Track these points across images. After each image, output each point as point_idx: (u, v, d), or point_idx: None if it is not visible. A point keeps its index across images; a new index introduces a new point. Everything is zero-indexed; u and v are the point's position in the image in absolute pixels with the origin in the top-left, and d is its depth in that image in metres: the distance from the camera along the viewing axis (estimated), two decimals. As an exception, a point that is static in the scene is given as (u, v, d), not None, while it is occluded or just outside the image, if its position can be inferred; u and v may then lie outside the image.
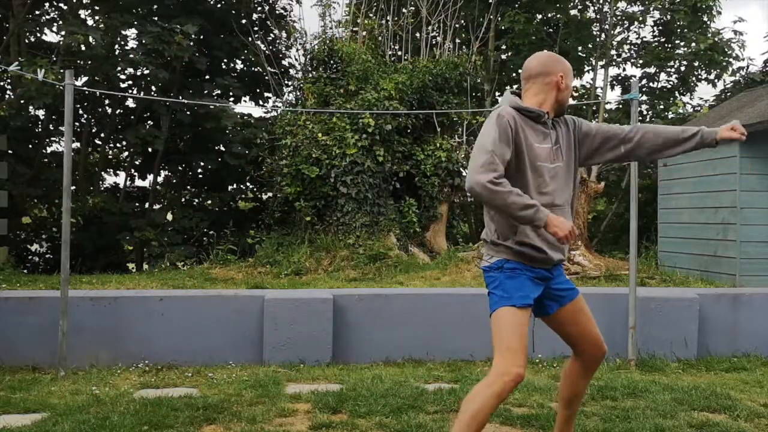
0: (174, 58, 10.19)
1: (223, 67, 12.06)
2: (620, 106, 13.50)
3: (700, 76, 13.49)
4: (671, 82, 13.86)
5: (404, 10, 11.67)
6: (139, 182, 12.14)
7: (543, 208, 2.73)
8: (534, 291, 2.90)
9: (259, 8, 12.09)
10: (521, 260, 2.88)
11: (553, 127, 3.01)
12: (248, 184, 12.01)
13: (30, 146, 10.57)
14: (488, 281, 2.94)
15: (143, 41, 10.06)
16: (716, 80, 13.40)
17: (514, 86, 14.80)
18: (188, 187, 12.37)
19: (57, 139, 11.35)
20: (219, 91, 11.47)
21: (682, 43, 13.29)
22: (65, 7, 11.39)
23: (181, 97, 10.47)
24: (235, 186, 11.91)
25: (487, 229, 2.97)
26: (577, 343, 3.15)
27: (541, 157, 2.91)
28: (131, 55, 10.30)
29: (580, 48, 13.42)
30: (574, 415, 3.31)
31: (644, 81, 13.92)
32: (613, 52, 14.06)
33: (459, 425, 2.72)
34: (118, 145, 12.12)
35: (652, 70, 13.79)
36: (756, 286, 7.13)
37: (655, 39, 13.80)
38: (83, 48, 9.92)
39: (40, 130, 11.00)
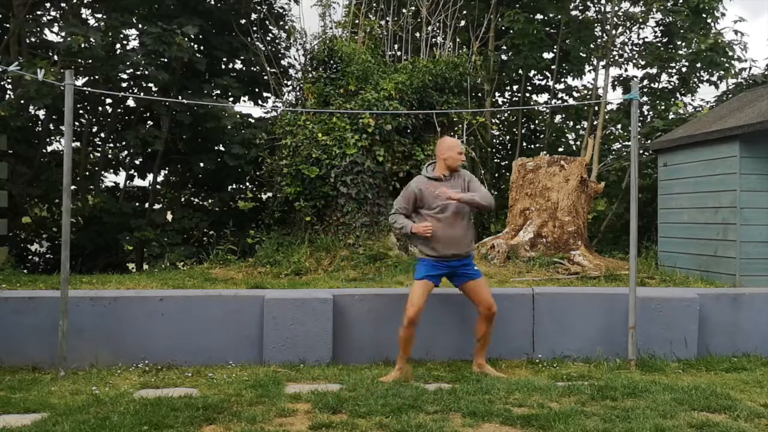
0: (174, 59, 10.19)
1: (223, 67, 12.05)
2: (621, 106, 13.49)
3: (701, 77, 13.48)
4: (672, 83, 13.86)
5: (404, 10, 11.67)
6: (139, 182, 12.14)
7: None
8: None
9: (259, 8, 12.08)
10: None
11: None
12: (248, 184, 12.00)
13: (30, 146, 10.56)
14: None
15: (144, 41, 10.06)
16: (718, 82, 13.39)
17: (514, 87, 14.83)
18: (188, 187, 12.37)
19: (57, 139, 11.34)
20: (218, 92, 11.47)
21: (683, 44, 13.28)
22: (66, 7, 11.38)
23: (180, 97, 10.46)
24: (234, 186, 11.91)
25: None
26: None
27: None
28: (131, 56, 10.30)
29: (581, 48, 13.41)
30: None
31: (645, 81, 13.91)
32: (615, 52, 14.06)
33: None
34: (118, 145, 12.12)
35: (653, 70, 13.78)
36: (756, 286, 7.12)
37: (657, 39, 13.79)
38: (84, 47, 9.91)
39: (40, 130, 11.00)
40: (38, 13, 11.03)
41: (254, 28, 11.42)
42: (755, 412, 4.27)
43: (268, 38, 12.19)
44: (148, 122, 11.47)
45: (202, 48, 11.48)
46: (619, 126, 14.48)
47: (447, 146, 5.51)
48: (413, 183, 5.48)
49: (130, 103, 11.63)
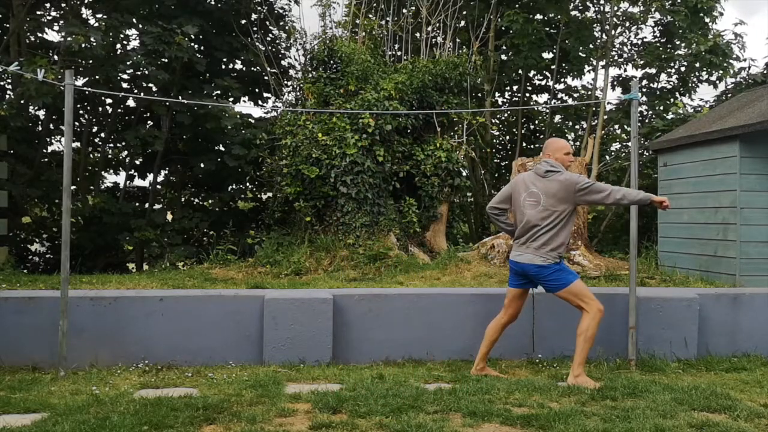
0: (174, 59, 10.20)
1: (223, 67, 12.05)
2: (620, 106, 13.49)
3: (701, 78, 13.48)
4: (671, 83, 13.85)
5: (404, 10, 11.67)
6: (139, 182, 12.15)
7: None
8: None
9: (259, 8, 12.09)
10: None
11: None
12: (248, 184, 12.01)
13: (30, 146, 10.56)
14: None
15: (144, 41, 10.06)
16: (717, 82, 13.38)
17: (514, 87, 14.83)
18: (188, 187, 12.37)
19: (57, 139, 11.35)
20: (219, 92, 11.47)
21: (682, 44, 13.28)
22: (66, 7, 11.38)
23: (180, 98, 10.46)
24: (234, 186, 11.91)
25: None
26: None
27: None
28: (131, 56, 10.30)
29: (580, 48, 13.40)
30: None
31: (644, 82, 13.91)
32: (614, 52, 14.06)
33: (584, 343, 5.04)
34: (118, 145, 12.12)
35: (652, 70, 13.78)
36: (756, 286, 7.13)
37: (656, 39, 13.79)
38: (84, 47, 9.91)
39: (40, 130, 11.00)
40: (38, 13, 11.03)
41: (254, 29, 11.43)
42: (755, 412, 4.27)
43: (269, 39, 12.20)
44: (148, 122, 11.48)
45: (202, 48, 11.49)
46: (617, 126, 14.48)
47: (561, 146, 5.30)
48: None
49: (130, 103, 11.64)
